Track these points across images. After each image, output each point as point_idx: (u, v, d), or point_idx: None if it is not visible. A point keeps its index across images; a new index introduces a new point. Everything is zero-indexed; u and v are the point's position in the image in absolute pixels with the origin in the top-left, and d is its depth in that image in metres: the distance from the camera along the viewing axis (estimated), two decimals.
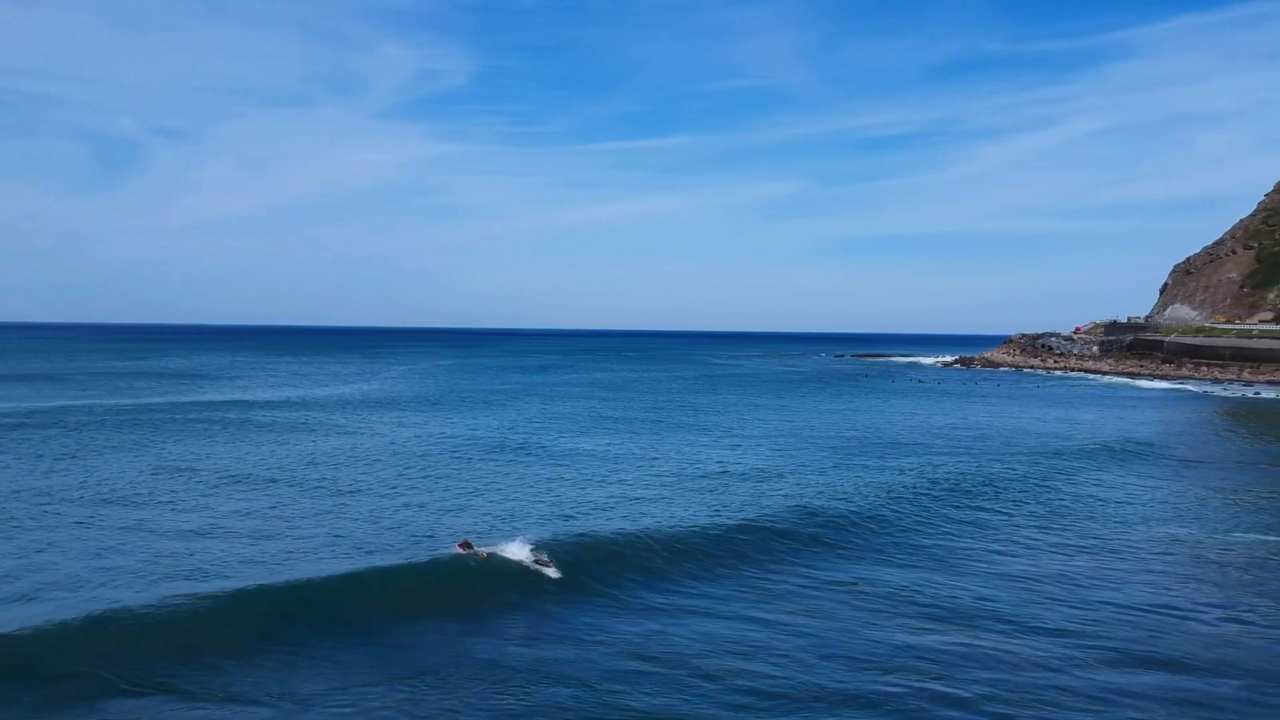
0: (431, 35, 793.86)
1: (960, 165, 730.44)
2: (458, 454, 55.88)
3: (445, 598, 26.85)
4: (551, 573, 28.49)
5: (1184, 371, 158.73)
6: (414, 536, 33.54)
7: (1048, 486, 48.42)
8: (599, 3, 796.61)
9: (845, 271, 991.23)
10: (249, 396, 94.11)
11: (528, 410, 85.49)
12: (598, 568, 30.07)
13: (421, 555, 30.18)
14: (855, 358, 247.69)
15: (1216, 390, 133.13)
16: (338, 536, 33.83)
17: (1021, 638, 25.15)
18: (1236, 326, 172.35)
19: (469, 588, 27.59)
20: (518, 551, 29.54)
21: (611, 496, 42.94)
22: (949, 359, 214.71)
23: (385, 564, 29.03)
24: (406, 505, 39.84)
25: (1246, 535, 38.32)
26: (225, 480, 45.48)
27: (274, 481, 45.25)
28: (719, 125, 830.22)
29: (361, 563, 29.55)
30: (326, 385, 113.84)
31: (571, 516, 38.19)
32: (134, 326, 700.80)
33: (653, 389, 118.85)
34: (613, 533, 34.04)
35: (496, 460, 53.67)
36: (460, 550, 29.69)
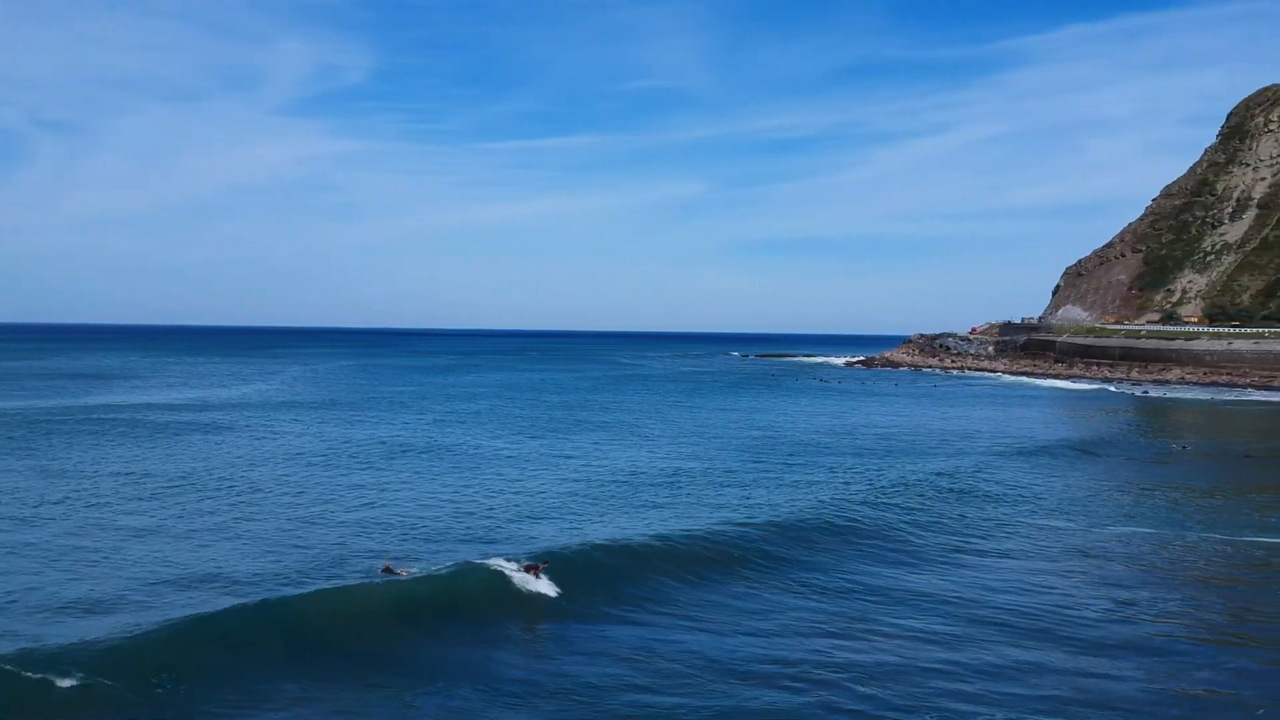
0: (331, 30, 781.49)
1: (860, 168, 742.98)
2: (360, 459, 54.84)
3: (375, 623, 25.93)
4: (544, 587, 27.78)
5: (1075, 371, 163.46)
6: (327, 555, 31.87)
7: (949, 484, 49.22)
8: (502, 1, 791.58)
9: (749, 272, 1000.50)
10: (144, 399, 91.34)
11: (432, 413, 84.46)
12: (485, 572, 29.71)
13: (348, 577, 29.19)
14: (760, 358, 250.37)
15: (1107, 388, 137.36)
16: (249, 555, 32.68)
17: (928, 620, 25.64)
18: (1125, 327, 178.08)
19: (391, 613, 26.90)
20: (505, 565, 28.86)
21: (524, 502, 42.51)
22: (851, 359, 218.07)
23: (292, 593, 27.64)
24: (316, 519, 38.29)
25: (1128, 528, 39.60)
26: (117, 490, 43.66)
27: (174, 492, 43.33)
28: (623, 126, 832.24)
29: (266, 591, 28.66)
30: (226, 387, 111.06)
31: (489, 525, 37.77)
32: (18, 326, 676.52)
33: (560, 390, 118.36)
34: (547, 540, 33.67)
35: (402, 465, 52.80)
36: (384, 573, 28.87)
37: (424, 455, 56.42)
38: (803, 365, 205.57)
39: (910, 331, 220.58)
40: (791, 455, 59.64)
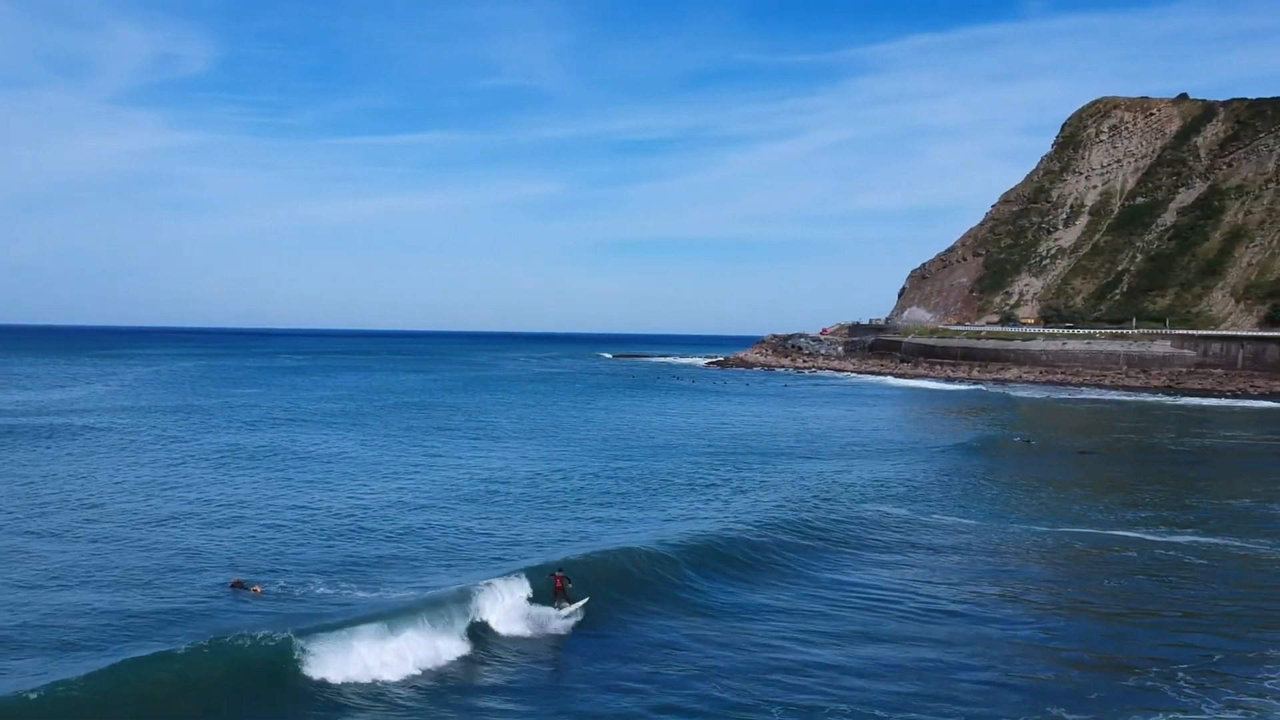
0: (169, 17, 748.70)
1: (714, 170, 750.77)
2: (206, 466, 52.18)
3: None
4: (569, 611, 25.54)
5: (920, 370, 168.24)
6: (170, 573, 29.32)
7: (798, 481, 49.52)
8: None
9: (609, 273, 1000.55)
10: None
11: (282, 416, 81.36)
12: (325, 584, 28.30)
13: (192, 598, 27.24)
14: (618, 358, 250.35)
15: (948, 387, 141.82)
16: (79, 582, 30.32)
17: (766, 620, 25.38)
18: (966, 328, 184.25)
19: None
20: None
21: (374, 508, 40.91)
22: (707, 359, 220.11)
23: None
24: (158, 531, 36.04)
25: (960, 519, 40.71)
26: None
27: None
28: (477, 124, 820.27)
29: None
30: (64, 388, 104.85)
31: (340, 533, 36.11)
32: None
33: (413, 392, 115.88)
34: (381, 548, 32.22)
35: (253, 472, 50.35)
36: (234, 588, 26.98)
37: (275, 461, 53.87)
38: (660, 365, 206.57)
39: (765, 332, 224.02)
40: (645, 457, 59.18)
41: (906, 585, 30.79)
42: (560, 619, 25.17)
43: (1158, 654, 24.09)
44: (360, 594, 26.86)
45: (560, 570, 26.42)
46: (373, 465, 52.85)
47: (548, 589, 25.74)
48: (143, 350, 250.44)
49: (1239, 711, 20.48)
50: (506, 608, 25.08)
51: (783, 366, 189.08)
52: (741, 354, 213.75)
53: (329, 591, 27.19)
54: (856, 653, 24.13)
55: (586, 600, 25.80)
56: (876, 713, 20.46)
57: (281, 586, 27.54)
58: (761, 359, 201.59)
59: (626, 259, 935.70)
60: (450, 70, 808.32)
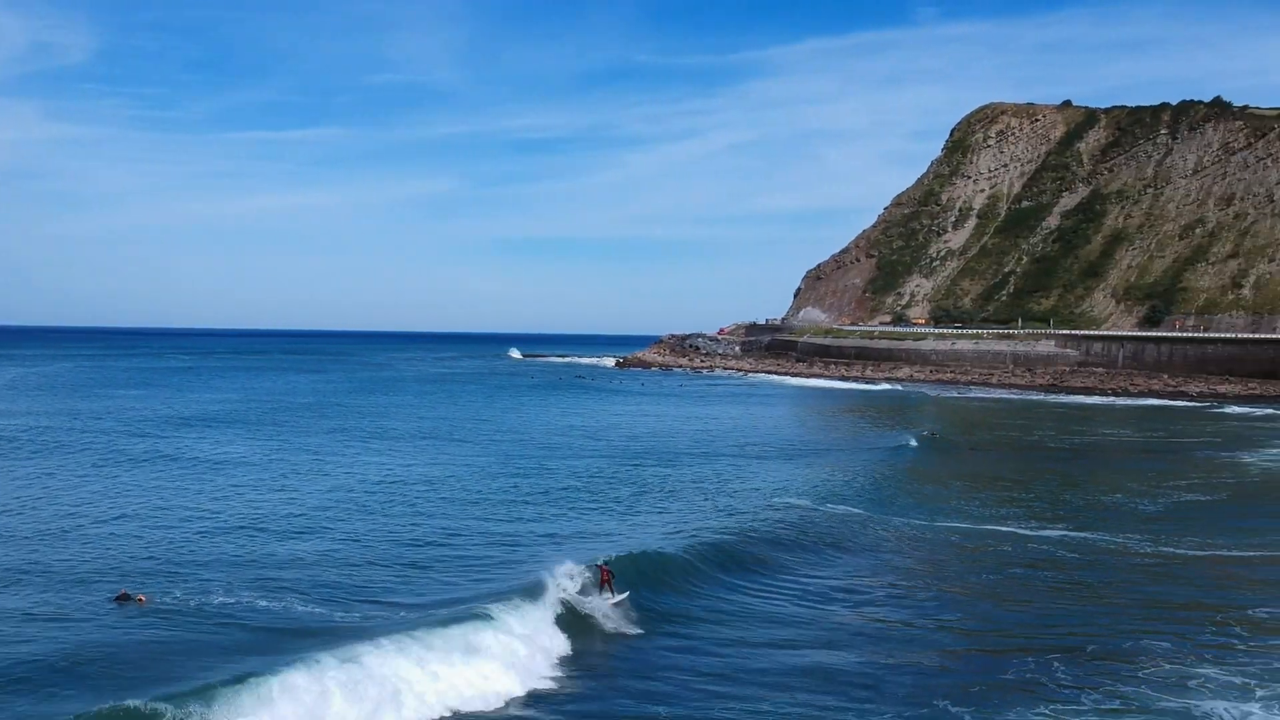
0: (45, 5, 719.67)
1: (613, 170, 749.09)
2: (93, 472, 49.89)
3: None
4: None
5: (815, 370, 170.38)
6: (52, 584, 28.09)
7: (696, 479, 49.45)
8: None
9: (505, 272, 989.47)
10: None
11: (172, 418, 78.41)
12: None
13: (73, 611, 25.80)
14: (528, 357, 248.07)
15: (843, 385, 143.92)
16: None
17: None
18: (860, 328, 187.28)
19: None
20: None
21: (268, 514, 39.60)
22: (606, 358, 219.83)
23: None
24: (40, 541, 34.34)
25: (851, 508, 41.41)
26: None
27: None
28: (371, 120, 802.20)
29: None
30: None
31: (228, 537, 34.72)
32: None
33: (309, 392, 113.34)
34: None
35: (133, 478, 48.30)
36: (120, 601, 25.54)
37: (162, 466, 51.74)
38: (558, 365, 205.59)
39: (664, 332, 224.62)
40: (542, 458, 58.64)
41: (794, 577, 30.90)
42: (612, 604, 26.56)
43: (1034, 645, 24.56)
44: (264, 604, 25.78)
45: (606, 563, 27.83)
46: (264, 469, 51.19)
47: (596, 579, 27.32)
48: (20, 350, 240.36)
49: (1117, 701, 20.90)
50: (567, 596, 26.47)
51: (680, 366, 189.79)
52: (640, 354, 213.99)
53: (228, 600, 25.92)
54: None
55: (628, 594, 27.15)
56: (764, 707, 20.32)
57: (175, 598, 26.07)
58: (660, 359, 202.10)
59: (526, 258, 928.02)
60: (344, 65, 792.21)
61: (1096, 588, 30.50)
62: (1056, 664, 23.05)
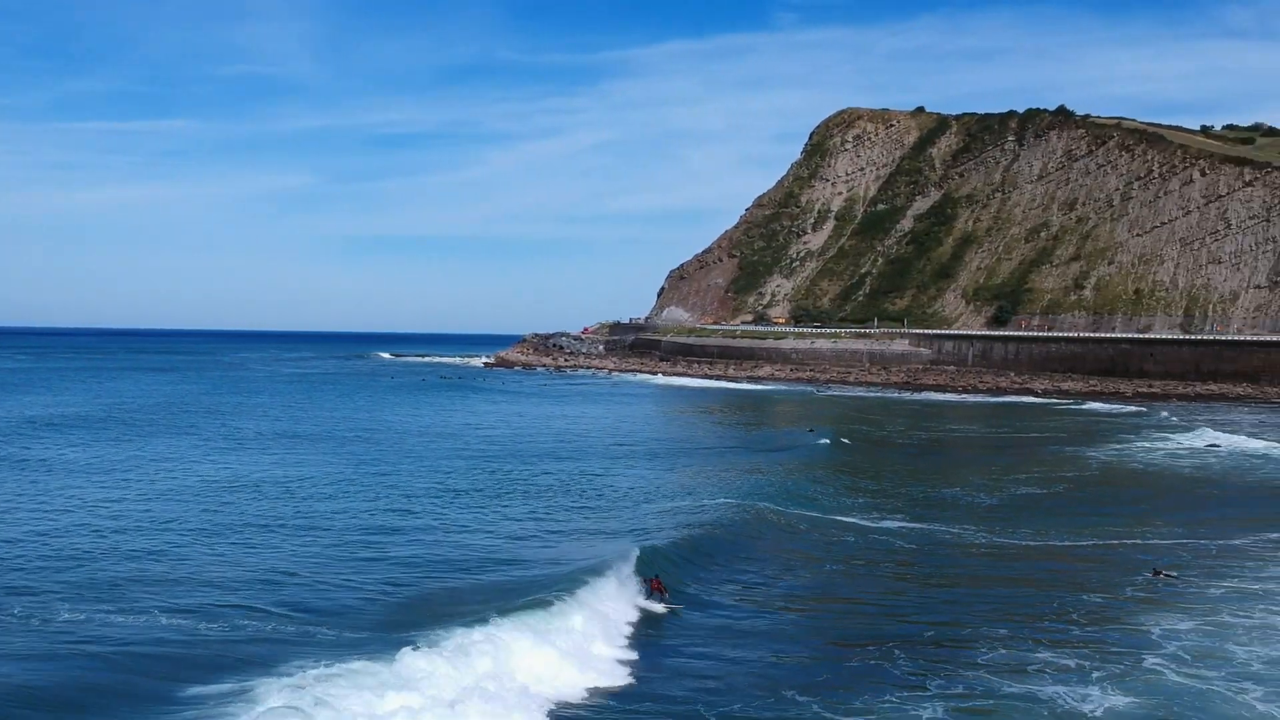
0: None
1: (474, 168, 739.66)
2: None
3: None
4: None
5: (679, 368, 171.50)
6: None
7: (566, 479, 48.92)
8: None
9: (362, 270, 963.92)
10: None
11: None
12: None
13: None
14: (387, 358, 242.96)
15: (707, 384, 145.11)
16: None
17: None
18: (723, 327, 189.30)
19: None
20: None
21: (114, 523, 37.46)
22: (471, 358, 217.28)
23: None
24: None
25: (726, 499, 41.19)
26: None
27: None
28: (223, 111, 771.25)
29: None
30: None
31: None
32: None
33: (154, 393, 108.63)
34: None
35: None
36: None
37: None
38: (417, 365, 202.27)
39: (527, 331, 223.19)
40: (399, 459, 57.42)
41: None
42: (667, 607, 26.90)
43: (876, 634, 24.81)
44: (117, 617, 24.03)
45: (656, 576, 28.16)
46: (106, 474, 48.50)
47: (647, 587, 27.49)
48: None
49: (961, 686, 21.15)
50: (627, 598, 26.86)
51: (544, 365, 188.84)
52: (503, 353, 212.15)
53: (76, 618, 24.00)
54: None
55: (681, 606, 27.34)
56: (610, 702, 19.89)
57: (15, 615, 24.07)
58: (523, 358, 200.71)
59: (386, 255, 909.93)
60: (194, 54, 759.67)
61: (935, 577, 31.08)
62: (898, 652, 23.25)
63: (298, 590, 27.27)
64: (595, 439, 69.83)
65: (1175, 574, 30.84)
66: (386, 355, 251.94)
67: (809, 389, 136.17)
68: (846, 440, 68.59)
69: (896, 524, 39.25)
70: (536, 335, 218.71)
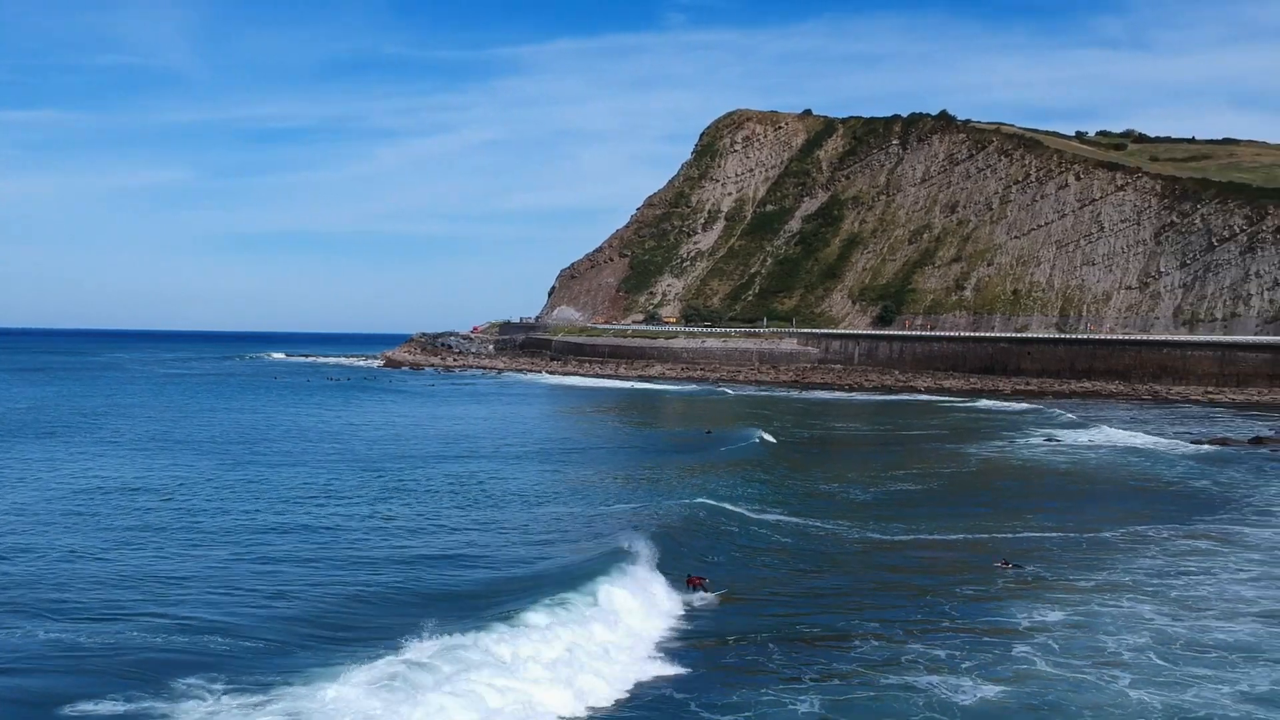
0: None
1: (360, 164, 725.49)
2: None
3: None
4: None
5: (570, 368, 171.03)
6: None
7: (456, 482, 47.99)
8: None
9: (246, 267, 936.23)
10: None
11: None
12: None
13: None
14: (255, 358, 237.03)
15: (597, 383, 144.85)
16: None
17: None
18: (614, 327, 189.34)
19: None
20: None
21: None
22: (355, 358, 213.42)
23: None
24: None
25: (622, 506, 40.91)
26: None
27: None
28: (95, 103, 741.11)
29: None
30: None
31: None
32: None
33: (20, 395, 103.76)
34: None
35: None
36: None
37: None
38: (301, 365, 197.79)
39: (410, 330, 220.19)
40: (284, 462, 55.76)
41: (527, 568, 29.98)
42: (703, 600, 27.43)
43: (751, 628, 24.75)
44: None
45: (691, 575, 28.82)
46: None
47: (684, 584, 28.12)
48: None
49: (836, 680, 21.18)
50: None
51: (432, 365, 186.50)
52: (390, 353, 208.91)
53: None
54: None
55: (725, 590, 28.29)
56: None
57: None
58: (410, 358, 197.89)
59: (271, 253, 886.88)
60: (65, 43, 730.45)
61: (810, 572, 31.18)
62: (773, 647, 23.21)
63: (183, 601, 26.13)
64: (479, 441, 68.95)
65: (1022, 565, 31.43)
66: (279, 355, 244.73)
67: (701, 388, 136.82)
68: (773, 439, 67.57)
69: (774, 517, 39.35)
70: (424, 335, 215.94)
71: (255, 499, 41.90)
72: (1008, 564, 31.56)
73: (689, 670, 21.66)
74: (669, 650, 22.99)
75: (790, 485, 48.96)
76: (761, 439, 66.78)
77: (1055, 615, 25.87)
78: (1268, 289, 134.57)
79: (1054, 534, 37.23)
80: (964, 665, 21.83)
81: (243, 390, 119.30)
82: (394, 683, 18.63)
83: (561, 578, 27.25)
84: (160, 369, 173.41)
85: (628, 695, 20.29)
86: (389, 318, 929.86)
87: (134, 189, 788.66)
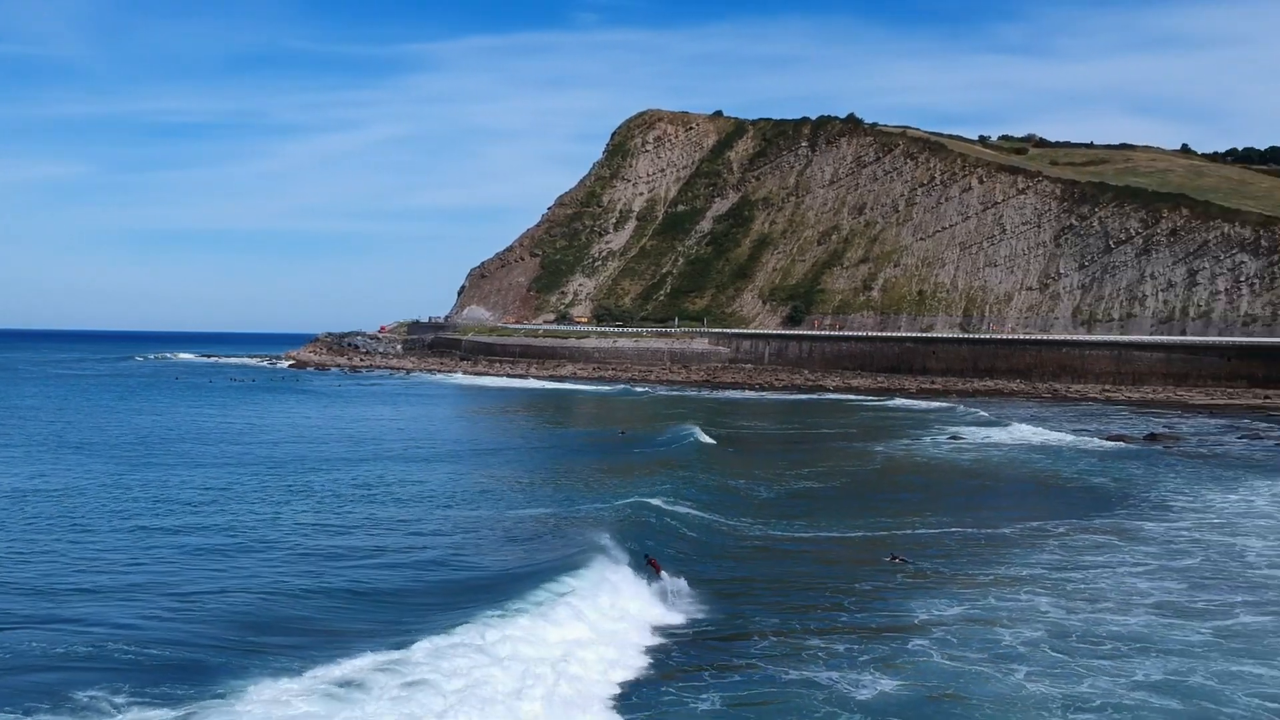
0: None
1: (264, 160, 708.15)
2: None
3: None
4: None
5: (480, 368, 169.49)
6: None
7: (363, 485, 46.88)
8: None
9: (147, 265, 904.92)
10: None
11: None
12: None
13: None
14: (157, 358, 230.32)
15: (508, 383, 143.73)
16: None
17: None
18: (525, 326, 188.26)
19: None
20: None
21: None
22: (260, 358, 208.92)
23: None
24: None
25: (530, 510, 40.15)
26: None
27: None
28: None
29: None
30: None
31: None
32: None
33: None
34: None
35: None
36: None
37: None
38: (204, 365, 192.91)
39: (315, 330, 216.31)
40: (191, 465, 53.92)
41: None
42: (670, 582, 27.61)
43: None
44: None
45: (649, 555, 29.48)
46: None
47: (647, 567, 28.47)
48: None
49: (737, 675, 21.10)
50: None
51: (339, 365, 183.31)
52: (295, 353, 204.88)
53: None
54: None
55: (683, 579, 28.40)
56: None
57: None
58: (316, 358, 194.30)
59: (173, 250, 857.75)
60: None
61: (709, 569, 30.88)
62: (672, 646, 22.99)
63: (83, 609, 24.85)
64: (386, 443, 67.77)
65: (910, 560, 31.63)
66: (187, 356, 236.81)
67: (614, 387, 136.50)
68: (711, 440, 67.06)
69: (684, 510, 39.08)
70: (330, 335, 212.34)
71: (154, 502, 40.27)
72: (896, 558, 31.69)
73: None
74: None
75: (699, 482, 48.67)
76: (695, 439, 65.95)
77: (953, 610, 25.97)
78: (1162, 290, 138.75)
79: (953, 530, 37.54)
80: (863, 659, 21.77)
81: (141, 391, 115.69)
82: (313, 696, 17.80)
83: (477, 586, 26.65)
84: (55, 369, 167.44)
85: None
86: (295, 317, 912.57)
87: (30, 183, 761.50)
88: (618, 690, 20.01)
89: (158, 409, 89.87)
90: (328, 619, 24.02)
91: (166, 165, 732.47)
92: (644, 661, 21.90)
